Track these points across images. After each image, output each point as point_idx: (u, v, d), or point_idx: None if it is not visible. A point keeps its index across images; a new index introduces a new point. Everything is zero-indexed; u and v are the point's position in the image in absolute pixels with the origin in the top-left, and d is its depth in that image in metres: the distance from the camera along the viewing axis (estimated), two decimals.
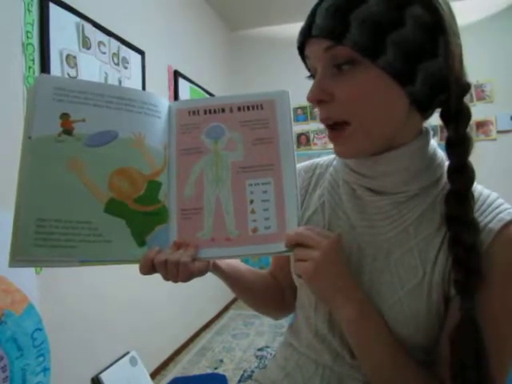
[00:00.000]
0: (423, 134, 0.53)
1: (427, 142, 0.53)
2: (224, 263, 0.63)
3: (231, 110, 0.59)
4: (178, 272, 0.52)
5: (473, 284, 0.46)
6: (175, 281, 0.53)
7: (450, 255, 0.49)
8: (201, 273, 0.55)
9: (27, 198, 0.51)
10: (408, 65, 0.46)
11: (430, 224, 0.52)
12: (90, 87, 0.56)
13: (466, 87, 0.49)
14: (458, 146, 0.49)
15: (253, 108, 0.58)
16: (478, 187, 0.53)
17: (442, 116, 0.52)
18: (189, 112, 0.60)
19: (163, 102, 0.60)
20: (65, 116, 0.54)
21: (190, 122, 0.59)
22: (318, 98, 0.49)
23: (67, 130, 0.54)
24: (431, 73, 0.47)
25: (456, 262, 0.47)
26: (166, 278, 0.53)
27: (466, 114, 0.49)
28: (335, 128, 0.51)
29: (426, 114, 0.52)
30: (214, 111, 0.59)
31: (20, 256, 0.50)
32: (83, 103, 0.55)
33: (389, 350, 0.49)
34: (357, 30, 0.45)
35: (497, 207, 0.50)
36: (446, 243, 0.50)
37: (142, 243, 0.54)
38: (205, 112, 0.59)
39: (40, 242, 0.50)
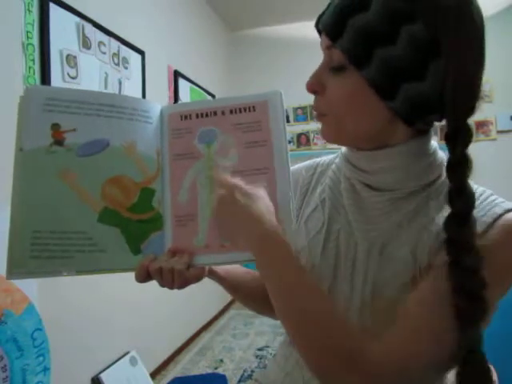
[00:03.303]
0: (422, 134, 0.53)
1: (426, 142, 0.53)
2: (220, 268, 0.63)
3: (223, 113, 0.58)
4: (173, 279, 0.52)
5: (478, 312, 0.42)
6: (171, 288, 0.53)
7: (439, 249, 0.48)
8: (196, 279, 0.55)
9: (22, 211, 0.51)
10: (389, 81, 0.46)
11: (423, 218, 0.52)
12: (79, 96, 0.56)
13: (467, 111, 0.46)
14: (456, 167, 0.47)
15: (245, 110, 0.57)
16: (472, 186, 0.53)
17: (446, 134, 0.50)
18: (181, 116, 0.59)
19: (155, 107, 0.59)
20: (55, 126, 0.54)
21: (182, 127, 0.58)
22: (311, 87, 0.52)
23: (58, 141, 0.54)
24: (413, 94, 0.46)
25: (458, 288, 0.44)
26: (162, 285, 0.53)
27: (465, 137, 0.46)
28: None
29: (415, 126, 0.51)
30: (206, 115, 0.58)
31: (17, 268, 0.50)
32: (73, 112, 0.55)
33: (298, 274, 0.47)
34: (349, 36, 0.46)
35: (491, 202, 0.50)
36: (436, 237, 0.50)
37: (137, 251, 0.54)
38: (197, 116, 0.58)
39: (36, 254, 0.51)
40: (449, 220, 0.47)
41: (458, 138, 0.46)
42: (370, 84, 0.47)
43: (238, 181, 0.51)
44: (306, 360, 0.46)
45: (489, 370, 0.42)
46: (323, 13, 0.51)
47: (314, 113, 0.56)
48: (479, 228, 0.46)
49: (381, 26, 0.45)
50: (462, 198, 0.46)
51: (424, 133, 0.54)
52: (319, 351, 0.44)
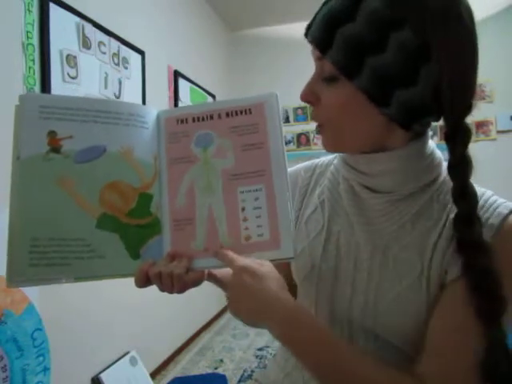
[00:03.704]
0: (420, 136, 0.53)
1: (424, 144, 0.53)
2: (219, 272, 0.63)
3: (219, 117, 0.58)
4: (172, 284, 0.52)
5: (498, 309, 0.43)
6: (170, 292, 0.53)
7: (447, 249, 0.49)
8: (195, 283, 0.55)
9: (20, 219, 0.51)
10: (382, 89, 0.46)
11: (427, 220, 0.52)
12: (75, 103, 0.56)
13: (464, 110, 0.47)
14: (456, 167, 0.47)
15: (241, 113, 0.57)
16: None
17: (444, 134, 0.51)
18: (177, 120, 0.59)
19: (151, 111, 0.59)
20: (52, 134, 0.54)
21: (178, 131, 0.58)
22: (305, 98, 0.53)
23: (55, 148, 0.54)
24: (407, 100, 0.46)
25: (477, 289, 0.45)
26: (162, 289, 0.54)
27: (464, 136, 0.47)
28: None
29: (412, 129, 0.51)
30: (203, 118, 0.58)
31: (16, 277, 0.50)
32: (70, 119, 0.55)
33: (329, 348, 0.48)
34: (338, 47, 0.46)
35: (493, 202, 0.50)
36: (443, 238, 0.50)
37: (136, 256, 0.54)
38: (193, 120, 0.58)
39: (35, 262, 0.51)
40: (456, 221, 0.48)
41: (457, 138, 0.47)
42: (363, 92, 0.47)
43: (243, 260, 0.50)
44: None
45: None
46: (311, 24, 0.51)
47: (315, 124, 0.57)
48: (489, 232, 0.47)
49: (369, 35, 0.45)
50: (465, 198, 0.46)
51: (421, 134, 0.54)
52: None
